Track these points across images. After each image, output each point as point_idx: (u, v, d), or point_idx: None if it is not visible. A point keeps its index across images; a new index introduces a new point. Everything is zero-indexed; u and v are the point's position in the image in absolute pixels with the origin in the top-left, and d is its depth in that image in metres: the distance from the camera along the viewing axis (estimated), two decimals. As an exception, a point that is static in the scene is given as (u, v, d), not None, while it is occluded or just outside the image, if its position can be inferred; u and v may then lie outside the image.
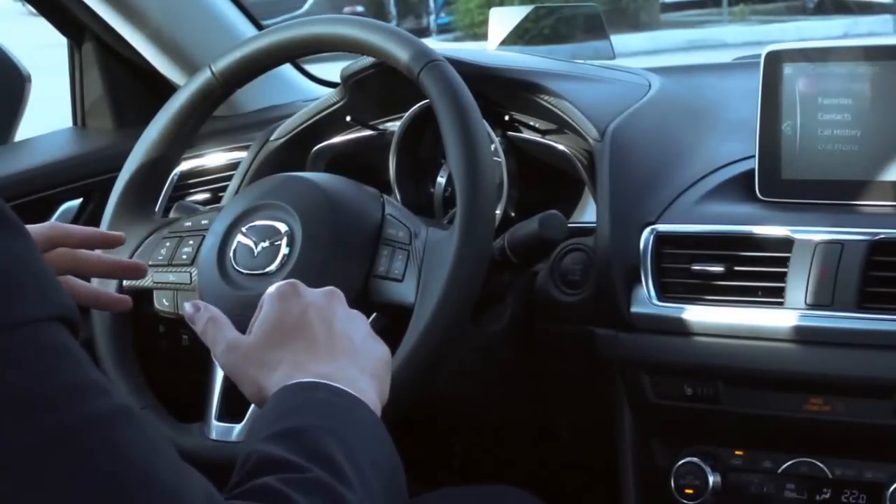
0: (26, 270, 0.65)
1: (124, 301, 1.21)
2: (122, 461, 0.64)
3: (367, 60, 1.49)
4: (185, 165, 1.74)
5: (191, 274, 1.33)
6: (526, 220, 1.31)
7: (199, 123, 1.44)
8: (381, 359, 0.96)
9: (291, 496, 0.74)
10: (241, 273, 1.27)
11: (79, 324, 0.68)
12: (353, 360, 0.92)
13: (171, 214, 1.46)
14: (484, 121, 1.27)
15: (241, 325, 1.25)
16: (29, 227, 1.09)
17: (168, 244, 1.38)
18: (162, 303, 1.37)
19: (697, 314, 1.32)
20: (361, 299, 1.24)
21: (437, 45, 2.92)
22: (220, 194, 1.67)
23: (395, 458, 0.87)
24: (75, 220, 1.73)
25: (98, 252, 1.19)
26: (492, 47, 1.84)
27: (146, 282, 1.38)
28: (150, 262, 1.38)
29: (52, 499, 0.62)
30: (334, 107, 1.59)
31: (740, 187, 1.41)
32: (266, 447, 0.79)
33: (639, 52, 7.51)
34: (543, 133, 1.51)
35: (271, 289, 0.98)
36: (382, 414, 0.90)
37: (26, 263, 0.65)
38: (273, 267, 1.25)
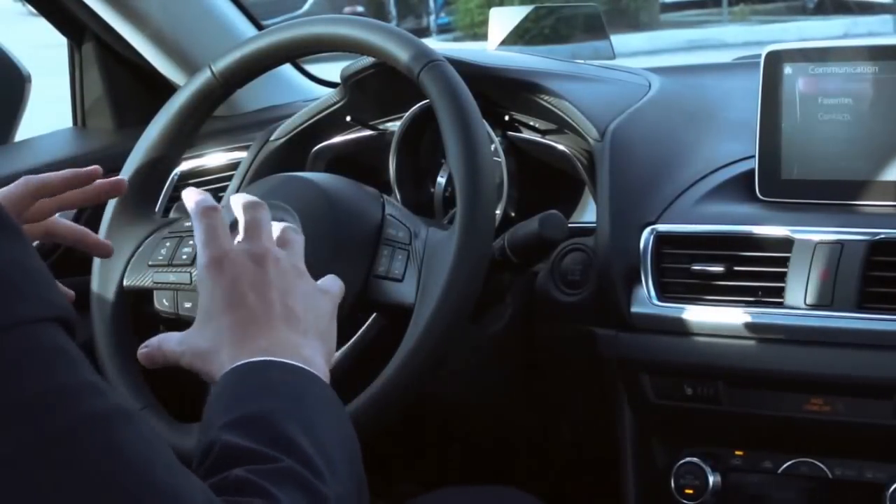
0: (22, 272, 0.65)
1: (106, 246, 1.19)
2: (119, 462, 0.64)
3: (367, 60, 1.49)
4: (185, 165, 1.74)
5: (191, 274, 1.33)
6: (526, 220, 1.31)
7: (200, 123, 1.44)
8: (323, 313, 0.92)
9: (268, 488, 0.72)
10: (241, 273, 1.27)
11: (75, 325, 0.68)
12: (294, 325, 0.89)
13: (172, 214, 1.46)
14: (484, 121, 1.27)
15: None
16: (1, 190, 1.10)
17: (168, 244, 1.38)
18: (162, 303, 1.37)
19: (697, 314, 1.32)
20: (361, 299, 1.25)
21: (437, 45, 2.93)
22: (221, 194, 1.67)
23: (350, 431, 0.85)
24: (75, 221, 1.72)
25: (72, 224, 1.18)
26: (492, 47, 1.84)
27: (146, 282, 1.38)
28: (150, 262, 1.38)
29: (49, 500, 0.62)
30: (334, 107, 1.59)
31: (740, 187, 1.41)
32: (228, 436, 0.77)
33: (639, 52, 7.52)
34: (543, 133, 1.51)
35: (200, 271, 0.92)
36: (381, 416, 0.89)
37: (22, 265, 0.65)
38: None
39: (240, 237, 0.95)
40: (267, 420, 0.78)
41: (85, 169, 1.16)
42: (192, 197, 0.99)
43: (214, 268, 0.91)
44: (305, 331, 0.89)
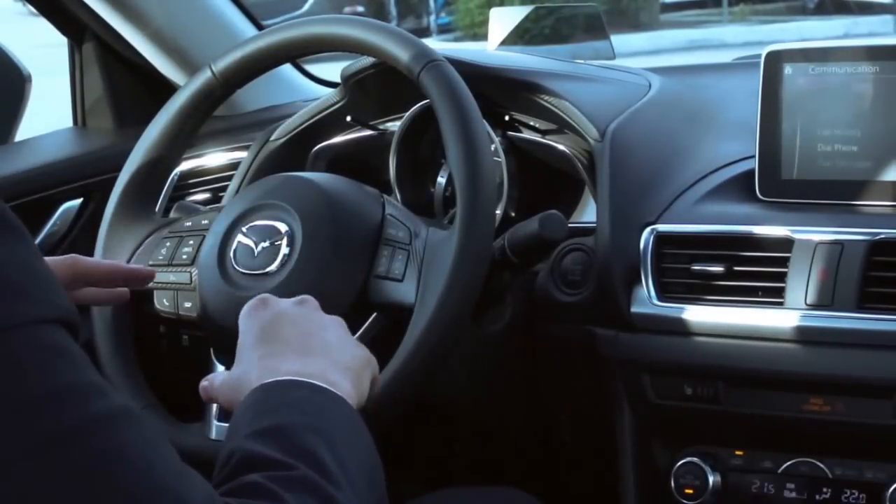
0: (27, 273, 0.65)
1: (148, 273, 1.25)
2: (121, 462, 0.64)
3: (368, 60, 1.49)
4: (185, 165, 1.74)
5: (191, 274, 1.33)
6: (526, 220, 1.31)
7: (200, 123, 1.44)
8: (358, 356, 0.96)
9: (280, 493, 0.73)
10: (242, 273, 1.27)
11: (79, 326, 0.68)
12: (326, 356, 0.92)
13: (172, 214, 1.46)
14: (484, 121, 1.27)
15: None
16: (49, 259, 1.12)
17: (168, 244, 1.38)
18: (162, 303, 1.37)
19: (697, 314, 1.32)
20: (361, 299, 1.25)
21: (437, 45, 2.92)
22: (221, 194, 1.67)
23: (374, 454, 0.87)
24: (75, 221, 1.73)
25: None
26: (492, 47, 1.84)
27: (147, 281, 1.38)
28: (150, 262, 1.38)
29: (51, 500, 0.62)
30: (334, 107, 1.59)
31: (740, 187, 1.41)
32: (249, 445, 0.79)
33: (639, 52, 7.52)
34: (543, 133, 1.51)
35: (243, 309, 0.99)
36: (383, 413, 0.90)
37: (27, 266, 0.65)
38: (273, 267, 1.25)
39: None
40: (288, 431, 0.80)
41: (135, 271, 1.24)
42: None
43: (260, 306, 0.97)
44: (336, 362, 0.92)
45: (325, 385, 0.87)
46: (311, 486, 0.75)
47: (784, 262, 1.29)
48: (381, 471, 0.87)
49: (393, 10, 12.06)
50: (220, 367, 1.33)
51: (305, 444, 0.79)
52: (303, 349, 0.92)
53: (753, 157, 1.40)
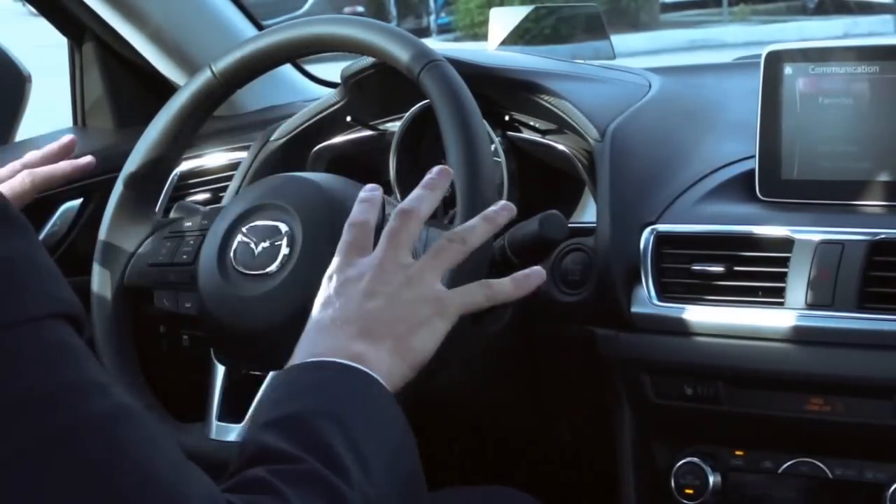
0: (30, 268, 0.65)
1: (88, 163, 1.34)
2: (123, 460, 0.64)
3: (368, 61, 1.49)
4: (185, 165, 1.74)
5: (191, 274, 1.33)
6: (526, 220, 1.30)
7: (200, 123, 1.44)
8: (415, 320, 0.91)
9: (280, 487, 0.73)
10: (242, 273, 1.27)
11: (83, 320, 0.68)
12: (366, 329, 0.89)
13: (172, 214, 1.46)
14: (484, 121, 1.27)
15: (240, 323, 1.26)
16: (5, 184, 1.22)
17: (168, 244, 1.38)
18: (162, 303, 1.37)
19: (697, 314, 1.32)
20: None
21: (437, 45, 2.92)
22: (221, 194, 1.67)
23: (403, 437, 0.85)
24: (75, 221, 1.74)
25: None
26: (492, 47, 1.84)
27: (147, 282, 1.38)
28: (150, 262, 1.38)
29: (52, 498, 0.62)
30: (334, 107, 1.59)
31: (740, 187, 1.41)
32: (262, 436, 0.78)
33: (639, 52, 7.53)
34: (543, 133, 1.51)
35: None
36: None
37: (30, 261, 0.66)
38: (273, 267, 1.25)
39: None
40: (302, 420, 0.79)
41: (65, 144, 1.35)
42: (361, 197, 1.01)
43: (327, 279, 0.94)
44: (379, 335, 0.89)
45: (349, 363, 0.85)
46: (317, 481, 0.75)
47: (784, 262, 1.29)
48: (412, 453, 0.85)
49: (393, 10, 12.06)
50: (221, 367, 1.33)
51: (319, 435, 0.78)
52: (338, 318, 0.90)
53: (753, 157, 1.40)
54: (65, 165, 1.34)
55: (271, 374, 0.96)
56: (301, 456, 0.76)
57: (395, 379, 0.88)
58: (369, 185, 1.03)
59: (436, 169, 1.00)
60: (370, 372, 0.86)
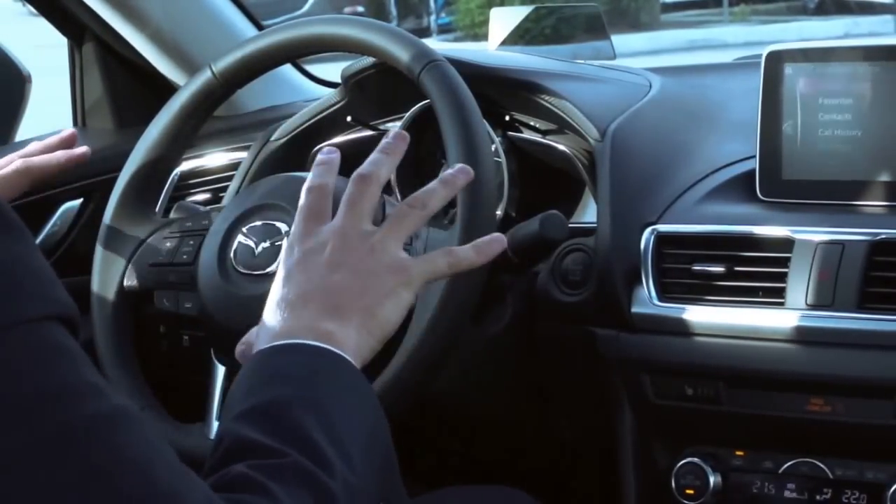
0: (26, 270, 0.65)
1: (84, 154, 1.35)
2: (119, 463, 0.64)
3: (368, 61, 1.49)
4: (185, 165, 1.74)
5: (191, 274, 1.33)
6: (526, 220, 1.30)
7: (200, 123, 1.44)
8: (381, 291, 0.89)
9: (267, 485, 0.72)
10: (242, 273, 1.27)
11: (79, 322, 0.68)
12: (333, 303, 0.87)
13: (172, 214, 1.46)
14: (484, 121, 1.27)
15: (240, 323, 1.26)
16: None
17: (168, 244, 1.38)
18: (162, 303, 1.37)
19: (698, 314, 1.32)
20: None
21: (438, 45, 2.93)
22: (221, 194, 1.67)
23: (373, 415, 0.84)
24: (75, 221, 1.74)
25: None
26: (492, 47, 1.84)
27: (147, 282, 1.38)
28: (150, 263, 1.38)
29: (49, 500, 0.62)
30: (335, 107, 1.59)
31: (741, 187, 1.41)
32: (237, 427, 0.77)
33: (639, 52, 7.53)
34: (544, 133, 1.51)
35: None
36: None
37: (26, 263, 0.65)
38: (273, 267, 1.25)
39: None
40: (279, 410, 0.78)
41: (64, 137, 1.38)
42: (318, 160, 0.99)
43: (287, 252, 0.92)
44: (346, 310, 0.87)
45: (319, 344, 0.83)
46: (303, 476, 0.74)
47: (785, 262, 1.29)
48: (384, 431, 0.84)
49: (393, 10, 12.06)
50: (221, 368, 1.33)
51: (297, 425, 0.76)
52: (304, 295, 0.87)
53: (754, 157, 1.40)
54: (60, 155, 1.34)
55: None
56: (282, 449, 0.74)
57: (363, 353, 0.87)
58: (326, 148, 1.01)
59: (392, 132, 0.99)
60: (341, 353, 0.84)
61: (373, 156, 0.97)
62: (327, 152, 0.99)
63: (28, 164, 1.34)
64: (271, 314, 0.88)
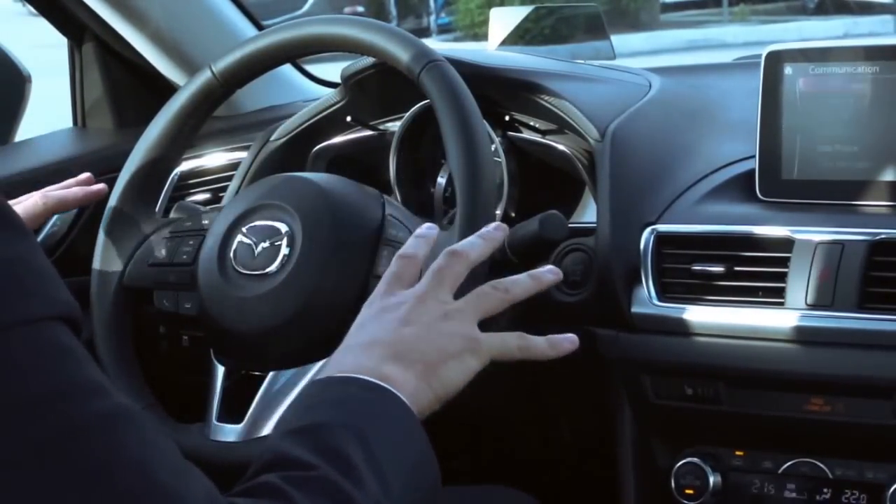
0: (28, 270, 0.65)
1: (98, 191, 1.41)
2: (122, 461, 0.64)
3: (368, 61, 1.49)
4: (185, 165, 1.74)
5: (191, 274, 1.33)
6: (526, 220, 1.30)
7: (200, 123, 1.44)
8: (445, 350, 0.92)
9: (289, 493, 0.73)
10: (242, 273, 1.27)
11: (81, 321, 0.68)
12: (391, 347, 0.90)
13: (172, 214, 1.46)
14: (484, 121, 1.27)
15: (240, 323, 1.26)
16: (20, 204, 1.26)
17: (168, 244, 1.38)
18: (162, 303, 1.37)
19: (698, 314, 1.32)
20: (362, 300, 1.24)
21: (438, 45, 2.93)
22: (221, 194, 1.67)
23: (423, 454, 0.85)
24: (75, 221, 1.73)
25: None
26: (492, 47, 1.84)
27: (146, 282, 1.38)
28: (150, 262, 1.38)
29: (51, 498, 0.62)
30: (335, 107, 1.59)
31: (741, 187, 1.41)
32: (280, 444, 0.79)
33: (639, 52, 7.54)
34: (544, 133, 1.51)
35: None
36: None
37: (28, 263, 0.66)
38: (273, 267, 1.25)
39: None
40: (322, 430, 0.80)
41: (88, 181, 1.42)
42: (417, 232, 1.04)
43: (367, 305, 0.96)
44: (409, 360, 0.90)
45: (375, 381, 0.86)
46: (328, 486, 0.75)
47: (784, 262, 1.29)
48: (432, 472, 0.86)
49: (393, 10, 12.07)
50: (220, 368, 1.33)
51: (336, 444, 0.79)
52: (372, 342, 0.91)
53: (754, 157, 1.40)
54: (76, 190, 1.41)
55: (298, 387, 0.98)
56: (314, 463, 0.76)
57: (420, 403, 0.88)
58: (427, 224, 1.06)
59: (493, 224, 1.04)
60: (395, 391, 0.86)
61: (470, 238, 1.02)
62: (429, 227, 1.04)
63: (45, 197, 1.39)
64: (338, 355, 0.91)
